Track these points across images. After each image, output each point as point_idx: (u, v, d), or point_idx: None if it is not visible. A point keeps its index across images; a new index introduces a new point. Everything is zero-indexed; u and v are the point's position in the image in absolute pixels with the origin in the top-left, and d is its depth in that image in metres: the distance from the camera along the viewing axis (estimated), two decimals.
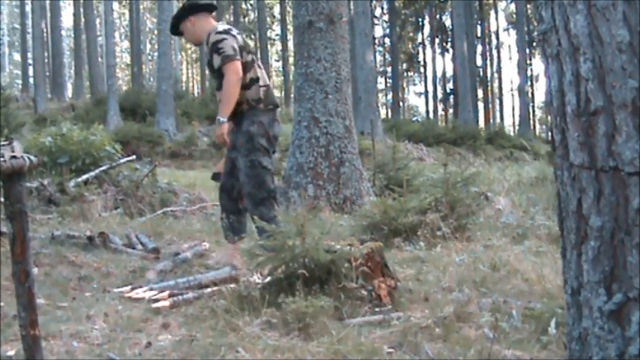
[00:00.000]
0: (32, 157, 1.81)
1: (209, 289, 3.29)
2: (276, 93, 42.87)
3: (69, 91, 32.30)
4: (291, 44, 32.10)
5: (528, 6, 31.22)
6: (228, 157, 4.07)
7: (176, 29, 4.10)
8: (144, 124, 18.30)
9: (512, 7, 37.08)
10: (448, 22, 37.57)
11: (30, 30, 28.61)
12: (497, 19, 41.38)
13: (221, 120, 3.84)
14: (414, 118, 39.72)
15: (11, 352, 2.37)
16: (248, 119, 3.89)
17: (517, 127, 32.40)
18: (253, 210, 3.86)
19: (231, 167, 4.01)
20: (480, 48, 37.99)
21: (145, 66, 43.04)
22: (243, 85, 3.85)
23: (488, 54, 40.05)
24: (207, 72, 4.30)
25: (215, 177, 4.32)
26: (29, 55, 29.70)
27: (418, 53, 43.15)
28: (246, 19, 39.93)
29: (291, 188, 6.92)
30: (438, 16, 39.19)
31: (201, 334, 2.64)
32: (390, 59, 41.16)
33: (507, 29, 42.81)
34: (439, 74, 41.28)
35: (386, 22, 38.56)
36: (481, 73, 37.92)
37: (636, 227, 1.31)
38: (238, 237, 4.12)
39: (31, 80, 27.89)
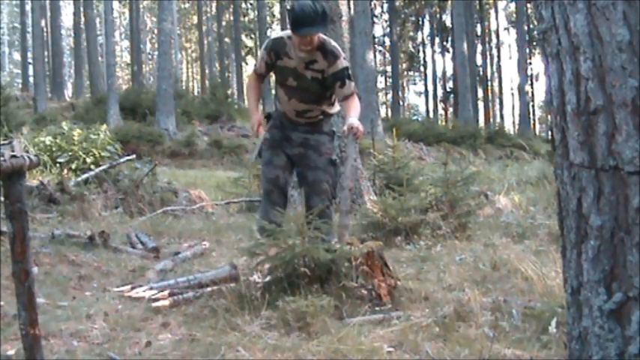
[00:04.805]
0: (32, 157, 1.81)
1: (209, 289, 3.29)
2: None
3: (69, 91, 32.30)
4: None
5: (528, 5, 31.21)
6: (289, 152, 3.80)
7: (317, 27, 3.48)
8: (144, 124, 18.31)
9: (512, 6, 37.10)
10: (448, 22, 37.56)
11: (30, 29, 28.59)
12: (497, 18, 41.39)
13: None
14: (414, 118, 39.73)
15: (11, 352, 2.37)
16: (327, 123, 3.88)
17: (517, 127, 32.41)
18: (326, 206, 3.63)
19: (285, 162, 3.78)
20: (480, 47, 38.01)
21: (145, 65, 43.05)
22: (333, 102, 3.85)
23: (488, 53, 40.04)
24: (259, 68, 3.87)
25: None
26: (29, 54, 29.69)
27: (418, 52, 43.15)
28: (246, 18, 39.93)
29: (292, 187, 6.91)
30: (438, 16, 39.18)
31: (201, 334, 2.64)
32: (390, 58, 41.17)
33: (507, 28, 42.84)
34: (439, 73, 41.32)
35: (386, 21, 38.55)
36: (481, 73, 37.92)
37: (636, 226, 1.31)
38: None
39: (31, 79, 27.90)
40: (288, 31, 3.61)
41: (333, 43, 3.66)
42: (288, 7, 3.67)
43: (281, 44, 3.64)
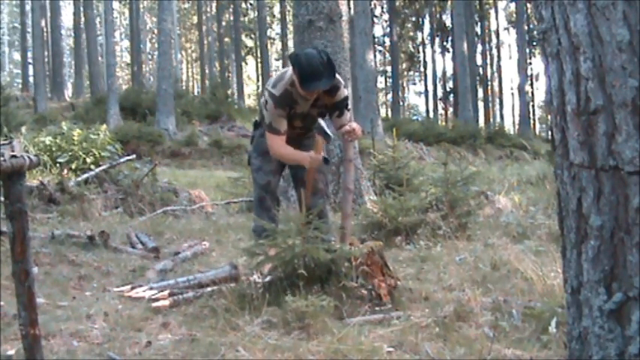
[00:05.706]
0: (32, 157, 1.81)
1: (209, 289, 3.29)
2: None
3: (69, 91, 32.25)
4: (291, 43, 32.04)
5: (528, 5, 31.19)
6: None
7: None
8: (144, 124, 18.31)
9: (512, 6, 37.09)
10: (448, 22, 37.54)
11: (30, 29, 28.59)
12: (497, 18, 41.37)
13: None
14: (414, 118, 39.72)
15: (11, 352, 2.37)
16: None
17: (517, 127, 32.41)
18: (323, 205, 3.72)
19: (276, 167, 3.79)
20: (480, 47, 37.99)
21: (145, 65, 43.03)
22: None
23: (488, 53, 40.01)
24: (281, 110, 3.57)
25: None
26: (29, 54, 29.70)
27: (418, 52, 43.12)
28: (246, 18, 39.93)
29: (292, 187, 6.91)
30: (438, 16, 39.16)
31: (201, 334, 2.64)
32: (390, 58, 41.15)
33: (507, 28, 42.82)
34: (439, 73, 41.28)
35: (386, 21, 38.52)
36: (481, 72, 37.90)
37: (636, 226, 1.31)
38: None
39: (31, 79, 27.90)
40: (287, 78, 3.52)
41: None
42: (293, 58, 3.46)
43: (288, 96, 3.52)
